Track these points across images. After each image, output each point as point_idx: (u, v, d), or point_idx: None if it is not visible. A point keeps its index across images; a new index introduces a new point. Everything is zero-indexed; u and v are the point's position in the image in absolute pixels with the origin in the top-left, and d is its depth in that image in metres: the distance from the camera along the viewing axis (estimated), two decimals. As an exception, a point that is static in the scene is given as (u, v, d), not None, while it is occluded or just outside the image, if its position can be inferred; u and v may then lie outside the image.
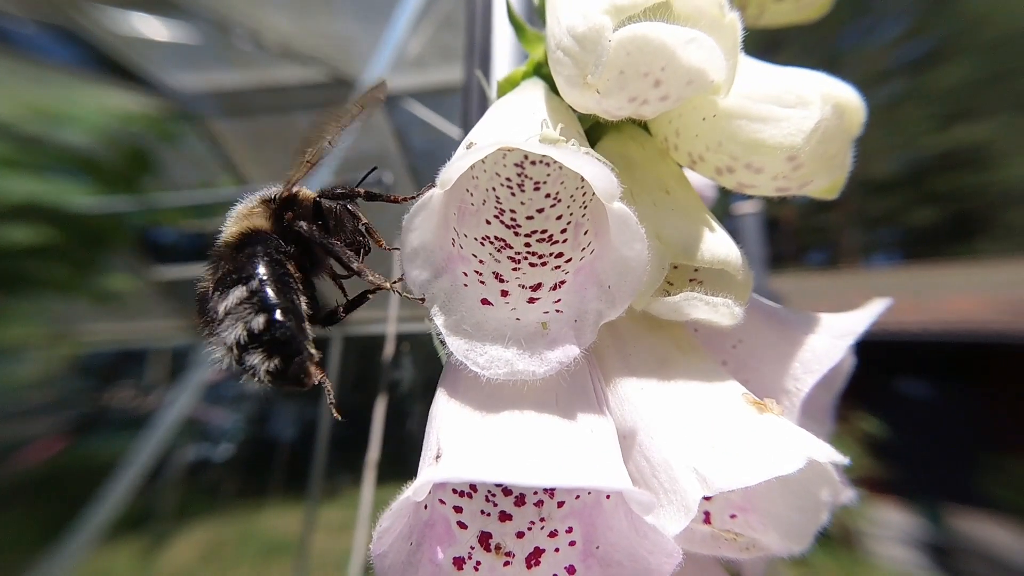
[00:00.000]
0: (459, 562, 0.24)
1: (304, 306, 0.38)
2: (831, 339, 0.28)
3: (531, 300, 0.27)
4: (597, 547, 0.23)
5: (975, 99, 15.93)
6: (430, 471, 0.21)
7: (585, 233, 0.28)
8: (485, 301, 0.26)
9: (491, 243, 0.31)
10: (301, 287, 0.39)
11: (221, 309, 0.36)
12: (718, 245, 0.27)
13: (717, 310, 0.27)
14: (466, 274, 0.27)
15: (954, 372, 8.91)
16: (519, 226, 0.32)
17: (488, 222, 0.31)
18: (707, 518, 0.27)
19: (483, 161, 0.31)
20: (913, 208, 17.85)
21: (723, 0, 0.25)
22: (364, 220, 0.44)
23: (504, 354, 0.23)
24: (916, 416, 8.70)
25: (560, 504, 0.25)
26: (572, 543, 0.24)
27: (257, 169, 4.01)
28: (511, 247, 0.31)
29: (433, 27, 2.98)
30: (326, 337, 4.58)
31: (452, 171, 0.24)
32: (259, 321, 0.34)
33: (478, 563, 0.25)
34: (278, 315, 0.34)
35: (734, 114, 0.26)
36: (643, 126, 0.34)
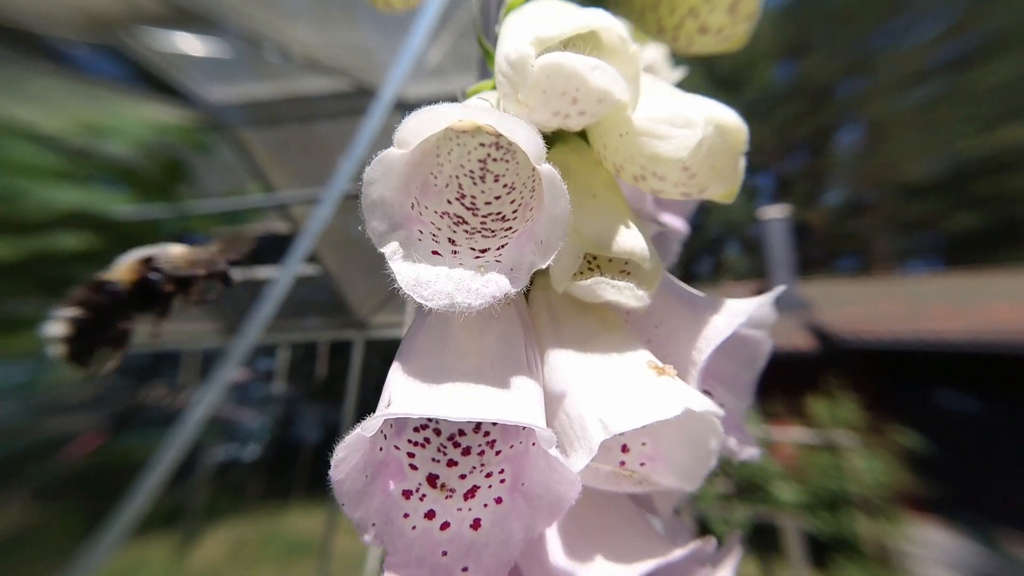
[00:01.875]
0: (407, 494, 0.29)
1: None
2: (728, 318, 0.33)
3: (477, 256, 0.32)
4: (523, 484, 0.28)
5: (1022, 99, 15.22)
6: (380, 411, 0.26)
7: (531, 210, 0.32)
8: (435, 252, 0.30)
9: (450, 218, 0.34)
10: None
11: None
12: (626, 240, 0.32)
13: (622, 292, 0.32)
14: (421, 232, 0.31)
15: (1000, 384, 8.45)
16: (477, 209, 0.35)
17: (449, 202, 0.35)
18: (622, 463, 0.32)
19: (449, 153, 0.35)
20: (954, 212, 17.10)
21: (626, 35, 0.32)
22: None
23: (446, 288, 0.28)
24: (959, 430, 8.27)
25: (497, 452, 0.30)
26: (503, 480, 0.29)
27: (282, 176, 4.16)
28: (468, 223, 0.34)
29: (453, 36, 3.05)
30: (348, 340, 4.70)
31: (404, 131, 0.28)
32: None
33: (424, 495, 0.30)
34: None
35: (641, 132, 0.32)
36: (586, 140, 0.39)
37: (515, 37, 0.31)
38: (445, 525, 0.28)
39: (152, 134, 4.78)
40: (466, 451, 0.31)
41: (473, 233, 0.34)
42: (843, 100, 21.23)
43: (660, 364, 0.30)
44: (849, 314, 10.31)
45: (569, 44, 0.32)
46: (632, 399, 0.28)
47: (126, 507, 2.66)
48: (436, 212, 0.33)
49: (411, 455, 0.30)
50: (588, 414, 0.28)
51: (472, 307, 0.27)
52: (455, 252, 0.31)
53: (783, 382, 10.26)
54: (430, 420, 0.32)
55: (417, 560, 0.27)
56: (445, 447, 0.31)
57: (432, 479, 0.30)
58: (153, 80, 4.20)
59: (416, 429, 0.32)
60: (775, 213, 12.60)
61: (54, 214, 5.06)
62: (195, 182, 5.10)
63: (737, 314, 0.33)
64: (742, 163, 0.33)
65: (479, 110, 0.28)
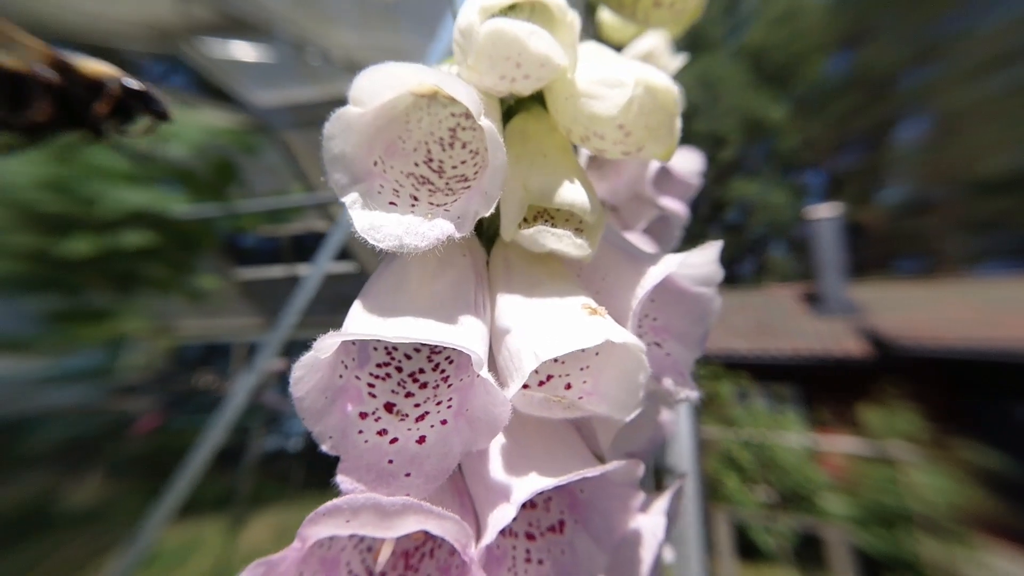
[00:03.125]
0: (364, 415, 0.32)
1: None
2: (661, 267, 0.35)
3: (431, 207, 0.34)
4: (466, 409, 0.31)
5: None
6: (331, 334, 0.28)
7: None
8: (392, 203, 0.33)
9: (415, 178, 0.36)
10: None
11: None
12: (567, 192, 0.35)
13: (562, 240, 0.34)
14: (382, 186, 0.33)
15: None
16: (444, 172, 0.38)
17: (416, 164, 0.37)
18: (567, 386, 0.35)
19: (419, 121, 0.38)
20: (1034, 210, 15.63)
21: (563, 4, 0.35)
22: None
23: (396, 231, 0.31)
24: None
25: (449, 386, 0.34)
26: (449, 407, 0.32)
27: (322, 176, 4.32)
28: (433, 184, 0.37)
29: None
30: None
31: (355, 90, 0.31)
32: None
33: (379, 418, 0.32)
34: None
35: (581, 93, 0.34)
36: (546, 108, 0.42)
37: (465, 8, 0.34)
38: (394, 440, 0.31)
39: (206, 137, 5.09)
40: (423, 385, 0.35)
41: (435, 192, 0.36)
42: (907, 91, 19.82)
43: (594, 306, 0.33)
44: (909, 319, 9.62)
45: (513, 13, 0.35)
46: (561, 332, 0.31)
47: (174, 486, 2.85)
48: (402, 172, 0.36)
49: (371, 385, 0.34)
50: (524, 346, 0.31)
51: (419, 248, 0.30)
52: (413, 206, 0.34)
53: (832, 389, 9.74)
54: (392, 358, 0.35)
55: (366, 466, 0.30)
56: (405, 382, 0.35)
57: (389, 406, 0.33)
58: (208, 86, 4.49)
59: (379, 365, 0.35)
60: (825, 212, 11.98)
61: (123, 214, 5.48)
62: (244, 182, 5.40)
63: (669, 265, 0.34)
64: (677, 124, 0.35)
65: (422, 68, 0.30)
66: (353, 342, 0.33)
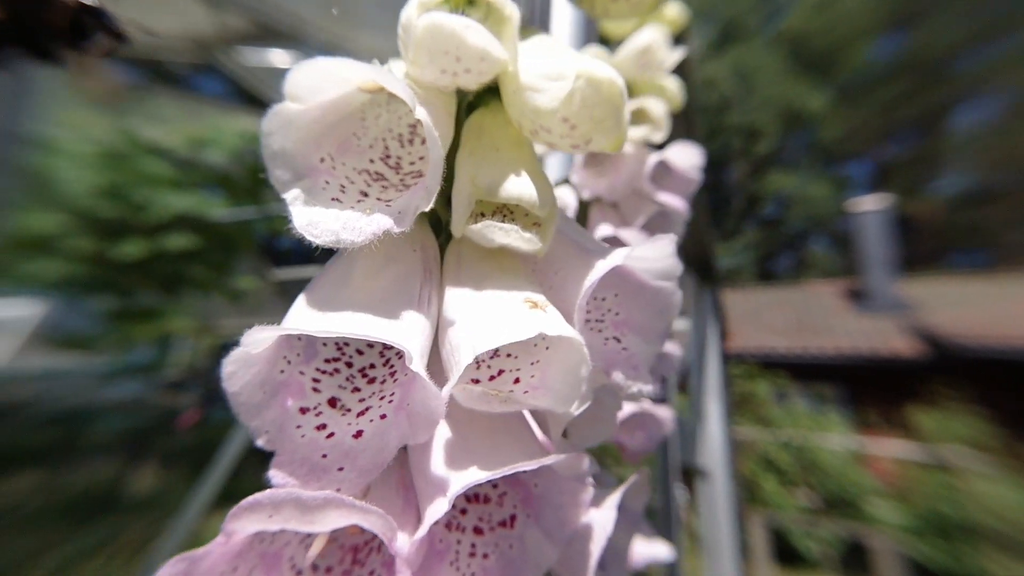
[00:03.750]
0: (304, 410, 0.32)
1: None
2: (606, 261, 0.34)
3: (377, 203, 0.34)
4: (407, 404, 0.31)
5: None
6: (261, 329, 0.28)
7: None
8: (335, 199, 0.33)
9: (368, 174, 0.36)
10: None
11: None
12: (514, 187, 0.34)
13: (509, 235, 0.34)
14: (328, 182, 0.33)
15: None
16: (401, 168, 0.38)
17: (372, 160, 0.37)
18: (516, 380, 0.35)
19: (377, 118, 0.38)
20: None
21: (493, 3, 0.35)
22: None
23: (333, 227, 0.31)
24: None
25: (395, 381, 0.34)
26: (391, 401, 0.32)
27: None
28: (387, 180, 0.37)
29: None
30: None
31: (289, 86, 0.31)
32: None
33: (320, 412, 0.32)
34: None
35: (525, 87, 0.34)
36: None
37: (407, 4, 0.35)
38: (331, 435, 0.31)
39: (243, 143, 5.32)
40: (371, 380, 0.35)
41: (388, 188, 0.36)
42: (966, 72, 18.47)
43: (536, 300, 0.33)
44: (968, 316, 9.00)
45: (450, 7, 0.35)
46: (497, 325, 0.31)
47: (211, 476, 3.00)
48: (355, 168, 0.36)
49: (317, 380, 0.34)
50: (463, 340, 0.31)
51: (355, 242, 0.31)
52: (360, 201, 0.34)
53: (879, 389, 9.26)
54: (343, 353, 0.35)
55: (300, 460, 0.30)
56: (354, 377, 0.35)
57: (333, 401, 0.33)
58: (244, 93, 4.68)
59: (328, 360, 0.35)
60: (871, 204, 11.39)
61: (169, 218, 5.79)
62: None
63: (614, 259, 0.34)
64: (624, 116, 0.34)
65: (356, 64, 0.30)
66: (299, 337, 0.33)
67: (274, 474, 0.29)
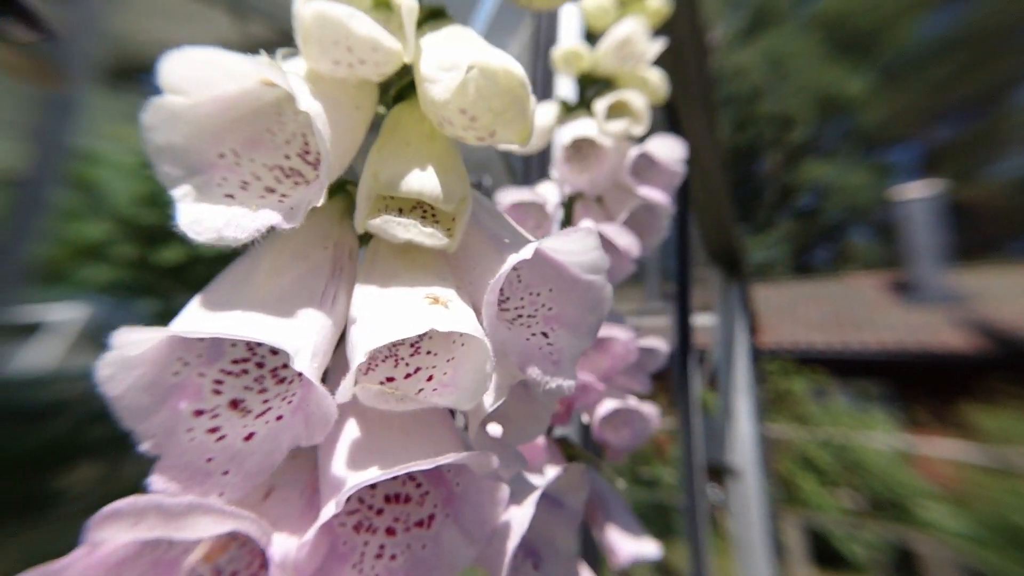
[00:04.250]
0: (199, 413, 0.31)
1: None
2: (515, 257, 0.33)
3: (271, 195, 0.33)
4: (304, 404, 0.30)
5: None
6: (140, 331, 0.27)
7: None
8: (230, 196, 0.32)
9: (282, 171, 0.35)
10: None
11: None
12: (414, 181, 0.34)
13: (409, 230, 0.33)
14: (226, 178, 0.32)
15: None
16: (320, 163, 0.35)
17: (288, 156, 0.36)
18: (429, 378, 0.34)
19: (296, 114, 0.36)
20: None
21: None
22: None
23: (216, 224, 0.30)
24: None
25: (300, 383, 0.32)
26: (291, 402, 0.32)
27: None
28: (303, 175, 0.36)
29: (517, 48, 3.11)
30: None
31: (170, 77, 0.30)
32: None
33: (217, 414, 0.31)
34: None
35: (424, 78, 0.33)
36: None
37: None
38: (222, 437, 0.30)
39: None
40: (281, 381, 0.34)
41: (300, 184, 0.35)
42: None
43: (438, 296, 0.32)
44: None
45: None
46: (390, 322, 0.30)
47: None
48: (265, 165, 0.35)
49: (219, 382, 0.33)
50: (359, 338, 0.30)
51: (239, 240, 0.30)
52: (263, 197, 0.33)
53: (929, 386, 8.77)
54: (255, 353, 0.34)
55: (183, 465, 0.29)
56: (264, 378, 0.34)
57: (235, 403, 0.32)
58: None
59: (235, 361, 0.34)
60: (918, 191, 10.78)
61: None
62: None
63: (524, 252, 0.33)
64: (528, 106, 0.33)
65: (236, 55, 0.29)
66: (201, 338, 0.31)
67: (155, 480, 0.28)
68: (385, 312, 0.31)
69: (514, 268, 0.42)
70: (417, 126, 0.36)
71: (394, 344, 0.34)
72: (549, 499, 0.42)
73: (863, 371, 9.26)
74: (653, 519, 6.34)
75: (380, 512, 0.35)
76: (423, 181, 0.33)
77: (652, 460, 7.50)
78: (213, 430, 0.30)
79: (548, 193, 0.84)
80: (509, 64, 0.31)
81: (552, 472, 0.41)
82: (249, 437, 0.30)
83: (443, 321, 0.30)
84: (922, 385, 8.85)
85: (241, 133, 0.34)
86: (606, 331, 0.76)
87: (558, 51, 0.83)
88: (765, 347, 8.90)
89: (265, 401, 0.33)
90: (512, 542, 0.34)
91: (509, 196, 0.83)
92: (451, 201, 0.33)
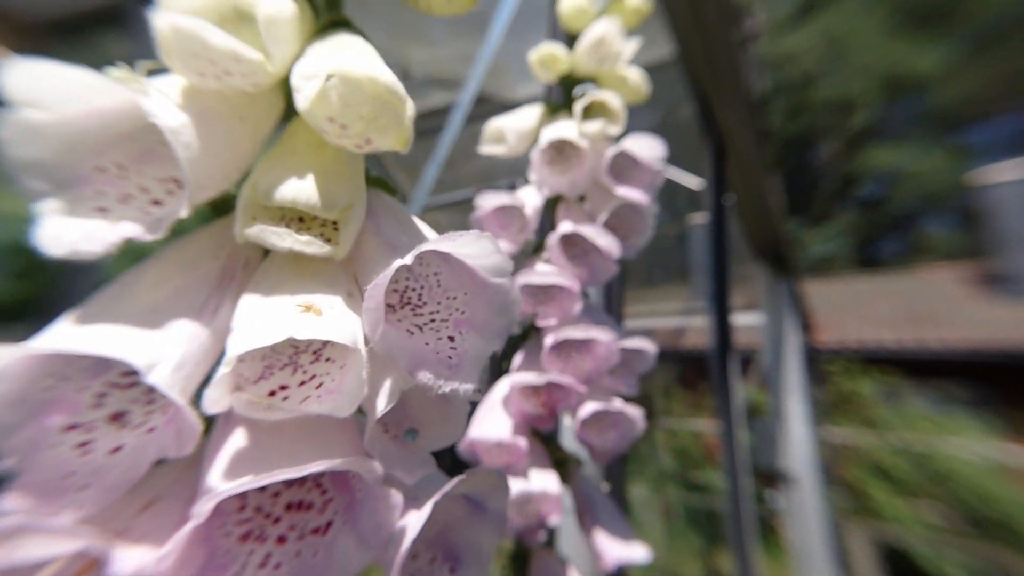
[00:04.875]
0: (72, 427, 0.30)
1: None
2: (399, 261, 0.33)
3: (158, 207, 0.33)
4: (177, 418, 0.30)
5: None
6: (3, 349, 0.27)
7: None
8: (102, 209, 0.32)
9: (176, 183, 0.35)
10: None
11: None
12: (290, 190, 0.34)
13: (284, 239, 0.33)
14: (103, 192, 0.32)
15: None
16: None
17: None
18: (319, 385, 0.34)
19: None
20: None
21: (248, 4, 0.33)
22: None
23: (71, 238, 0.30)
24: None
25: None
26: (166, 413, 0.32)
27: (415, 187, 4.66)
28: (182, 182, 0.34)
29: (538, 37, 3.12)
30: None
31: (23, 92, 0.29)
32: None
33: (93, 428, 0.31)
34: None
35: (293, 88, 0.33)
36: None
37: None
38: (88, 452, 0.30)
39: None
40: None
41: (175, 191, 0.34)
42: None
43: (312, 303, 0.32)
44: None
45: (203, 13, 0.33)
46: (255, 331, 0.29)
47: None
48: (156, 177, 0.35)
49: (103, 395, 0.32)
50: (229, 348, 0.30)
51: (94, 253, 0.30)
52: (147, 212, 0.32)
53: None
54: None
55: (41, 482, 0.28)
56: (153, 389, 0.32)
57: (118, 415, 0.32)
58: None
59: (124, 373, 0.33)
60: (1009, 172, 9.75)
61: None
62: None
63: (408, 256, 0.31)
64: (402, 111, 0.32)
65: (86, 72, 0.29)
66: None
67: (9, 498, 0.27)
68: (252, 322, 0.31)
69: (435, 272, 0.43)
70: (306, 136, 0.36)
71: (295, 351, 0.35)
72: (471, 502, 0.42)
73: (943, 371, 8.47)
74: (704, 525, 6.10)
75: (277, 520, 0.35)
76: (299, 190, 0.33)
77: (703, 464, 7.21)
78: (82, 444, 0.30)
79: (527, 197, 0.85)
80: (374, 71, 0.31)
81: (478, 475, 0.41)
82: (116, 450, 0.30)
83: (305, 329, 0.29)
84: (1019, 387, 7.98)
85: (132, 146, 0.34)
86: (588, 333, 0.76)
87: (534, 54, 0.84)
88: (825, 346, 8.35)
89: (148, 413, 0.33)
90: (405, 546, 0.34)
91: (490, 201, 0.84)
92: (332, 209, 0.34)
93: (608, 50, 0.79)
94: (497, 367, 0.89)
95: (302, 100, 0.32)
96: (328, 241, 0.36)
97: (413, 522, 0.34)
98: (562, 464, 0.84)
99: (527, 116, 0.88)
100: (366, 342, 0.33)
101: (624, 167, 0.82)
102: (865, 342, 8.84)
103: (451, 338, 0.39)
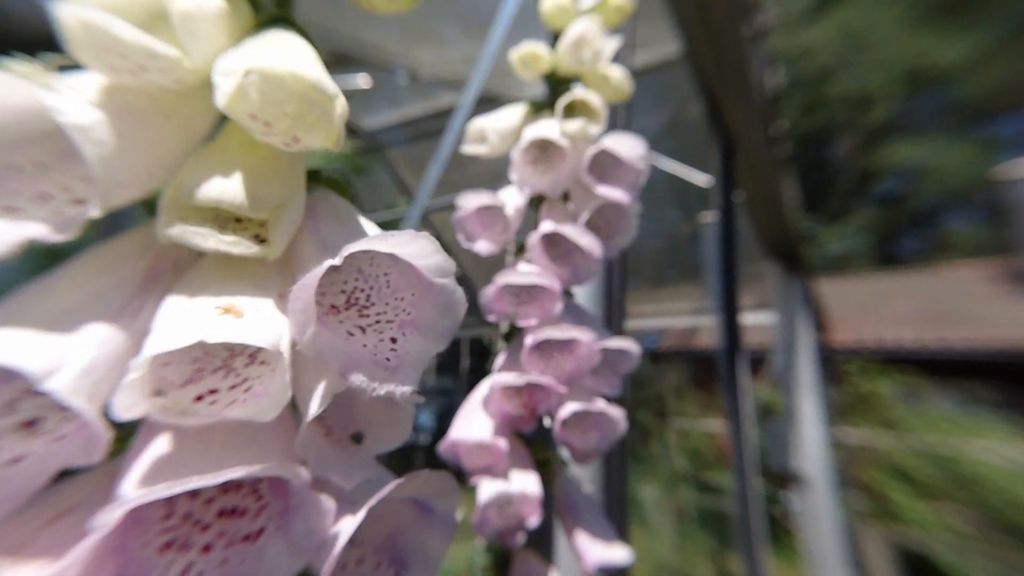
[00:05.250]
0: None
1: None
2: (330, 261, 0.32)
3: (80, 207, 0.32)
4: (85, 425, 0.29)
5: None
6: None
7: None
8: (9, 208, 0.31)
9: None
10: None
11: None
12: (213, 189, 0.33)
13: (207, 240, 0.32)
14: (17, 192, 0.32)
15: None
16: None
17: None
18: (247, 389, 0.33)
19: None
20: None
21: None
22: None
23: None
24: None
25: None
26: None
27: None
28: None
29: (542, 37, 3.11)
30: (457, 339, 5.09)
31: None
32: None
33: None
34: None
35: (214, 85, 0.32)
36: None
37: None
38: None
39: (324, 163, 5.85)
40: None
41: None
42: None
43: (233, 305, 0.31)
44: None
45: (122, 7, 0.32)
46: (167, 334, 0.28)
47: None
48: (79, 176, 0.34)
49: (14, 400, 0.31)
50: (143, 352, 0.29)
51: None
52: (63, 211, 0.32)
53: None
54: None
55: None
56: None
57: (30, 423, 0.31)
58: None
59: None
60: (1031, 167, 9.44)
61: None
62: (357, 202, 6.10)
63: (337, 257, 0.31)
64: (331, 109, 0.31)
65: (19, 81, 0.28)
66: None
67: None
68: (167, 324, 0.30)
69: (385, 273, 0.43)
70: (240, 134, 0.36)
71: (231, 354, 0.34)
72: (419, 505, 0.42)
73: (967, 372, 8.24)
74: (716, 527, 6.03)
75: (206, 528, 0.34)
76: (223, 189, 0.32)
77: (715, 465, 7.13)
78: None
79: (508, 197, 0.84)
80: (298, 68, 0.30)
81: (426, 478, 0.40)
82: (16, 460, 0.29)
83: (219, 332, 0.28)
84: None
85: (55, 144, 0.33)
86: (568, 333, 0.75)
87: (515, 53, 0.83)
88: (841, 346, 8.18)
89: (62, 420, 0.31)
90: (336, 550, 0.33)
91: (472, 201, 0.84)
92: (260, 209, 0.33)
93: (588, 49, 0.78)
94: (480, 369, 0.88)
95: (220, 96, 0.31)
96: (263, 242, 0.35)
97: (347, 527, 0.33)
98: (546, 465, 0.83)
99: (509, 116, 0.87)
100: (294, 345, 0.32)
101: (607, 166, 0.81)
102: (884, 341, 8.63)
103: (393, 339, 0.38)
